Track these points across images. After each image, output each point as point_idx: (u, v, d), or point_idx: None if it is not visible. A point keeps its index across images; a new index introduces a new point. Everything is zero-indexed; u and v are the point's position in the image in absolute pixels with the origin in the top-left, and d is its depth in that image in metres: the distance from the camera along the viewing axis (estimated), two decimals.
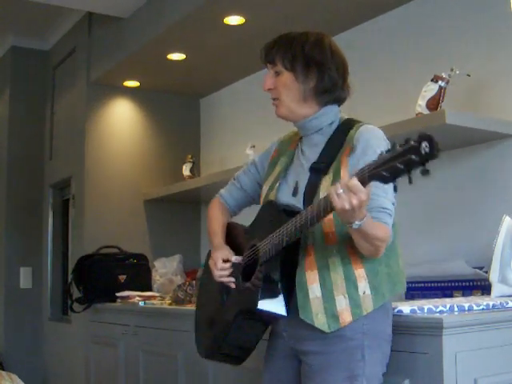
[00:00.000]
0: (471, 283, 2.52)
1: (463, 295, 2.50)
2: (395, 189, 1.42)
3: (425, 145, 1.36)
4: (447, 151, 2.83)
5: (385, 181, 1.41)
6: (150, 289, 3.96)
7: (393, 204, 1.76)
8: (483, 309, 1.96)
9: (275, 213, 1.83)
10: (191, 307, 3.12)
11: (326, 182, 1.77)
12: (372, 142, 1.77)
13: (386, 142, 1.81)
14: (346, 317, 1.71)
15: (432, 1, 2.98)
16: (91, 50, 4.36)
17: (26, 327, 4.78)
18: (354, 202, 1.48)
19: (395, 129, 2.61)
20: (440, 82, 2.58)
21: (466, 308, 1.93)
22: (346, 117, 1.93)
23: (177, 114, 4.65)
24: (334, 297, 1.72)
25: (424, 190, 2.94)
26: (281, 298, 1.76)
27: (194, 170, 4.32)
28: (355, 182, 1.47)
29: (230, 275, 1.93)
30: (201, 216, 4.63)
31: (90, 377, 3.94)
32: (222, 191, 2.19)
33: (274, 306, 1.76)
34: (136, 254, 4.12)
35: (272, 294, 1.76)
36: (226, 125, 4.46)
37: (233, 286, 1.92)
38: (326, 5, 3.12)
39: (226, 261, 1.94)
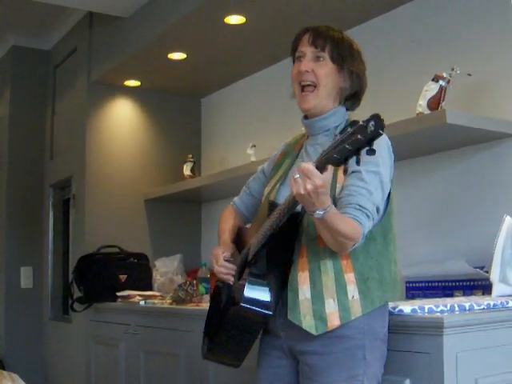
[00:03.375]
0: (472, 283, 2.52)
1: (464, 295, 2.49)
2: (368, 152, 1.38)
3: (371, 124, 1.36)
4: (448, 151, 2.83)
5: (336, 163, 1.43)
6: (150, 288, 3.97)
7: (377, 208, 1.73)
8: (484, 308, 1.96)
9: (268, 210, 1.84)
10: (192, 307, 3.12)
11: None
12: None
13: (390, 150, 1.82)
14: (334, 320, 1.71)
15: (433, 0, 2.97)
16: (92, 50, 4.36)
17: (27, 327, 4.78)
18: (308, 186, 1.48)
19: (396, 128, 2.61)
20: (441, 82, 2.58)
21: (467, 308, 1.93)
22: (353, 119, 1.92)
23: (178, 114, 4.65)
24: (324, 299, 1.72)
25: (425, 190, 2.94)
26: (268, 296, 1.75)
27: (195, 170, 4.32)
28: (307, 165, 1.48)
29: (230, 273, 1.93)
30: (201, 215, 4.63)
31: (90, 376, 3.94)
32: (235, 198, 2.22)
33: (261, 303, 1.74)
34: (136, 254, 4.13)
35: (259, 292, 1.75)
36: (227, 124, 4.45)
37: (231, 282, 1.92)
38: (326, 4, 3.12)
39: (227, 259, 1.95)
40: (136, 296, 3.65)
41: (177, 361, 3.01)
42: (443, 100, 2.58)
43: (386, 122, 2.77)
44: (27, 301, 4.80)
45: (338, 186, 1.74)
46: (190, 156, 4.33)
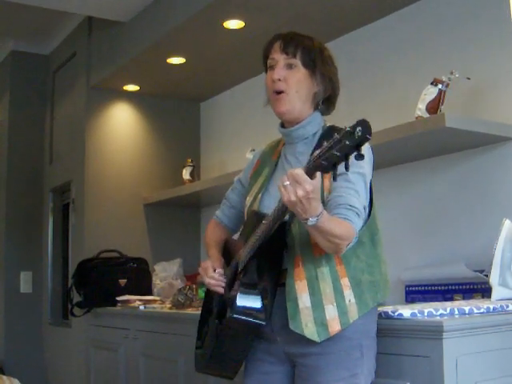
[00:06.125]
0: (471, 286, 2.52)
1: (464, 298, 2.49)
2: (357, 157, 1.40)
3: (358, 129, 1.37)
4: (447, 154, 2.83)
5: (325, 169, 1.43)
6: (150, 293, 3.96)
7: (364, 208, 1.75)
8: (484, 312, 1.96)
9: (255, 221, 1.84)
10: (192, 311, 3.12)
11: None
12: None
13: (370, 152, 1.84)
14: (335, 326, 1.73)
15: (432, 4, 2.98)
16: (91, 55, 4.36)
17: (27, 331, 4.77)
18: (300, 192, 1.47)
19: (395, 132, 2.61)
20: (440, 86, 2.58)
21: (467, 311, 1.93)
22: (329, 124, 1.94)
23: (177, 118, 4.66)
24: (324, 306, 1.73)
25: (423, 193, 2.94)
26: (259, 305, 1.75)
27: (194, 174, 4.32)
28: (298, 171, 1.48)
29: (219, 284, 1.94)
30: (201, 220, 4.62)
31: (90, 381, 3.93)
32: (217, 212, 2.24)
33: (252, 313, 1.75)
34: (136, 258, 4.13)
35: (250, 302, 1.76)
36: (226, 128, 4.46)
37: (221, 291, 1.93)
38: (325, 9, 3.12)
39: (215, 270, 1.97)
40: (136, 301, 3.65)
41: (176, 366, 3.01)
42: (442, 104, 2.58)
43: (385, 125, 2.78)
44: (27, 305, 4.79)
45: (325, 193, 1.75)
46: (190, 160, 4.33)
